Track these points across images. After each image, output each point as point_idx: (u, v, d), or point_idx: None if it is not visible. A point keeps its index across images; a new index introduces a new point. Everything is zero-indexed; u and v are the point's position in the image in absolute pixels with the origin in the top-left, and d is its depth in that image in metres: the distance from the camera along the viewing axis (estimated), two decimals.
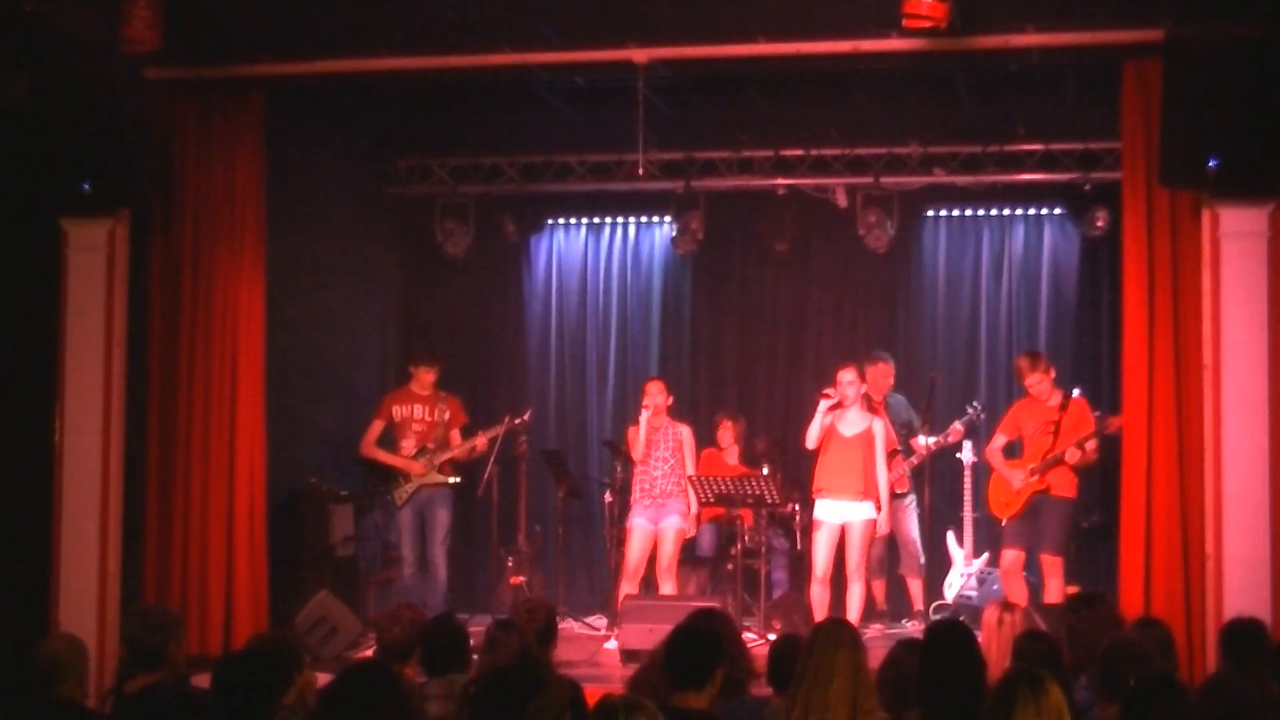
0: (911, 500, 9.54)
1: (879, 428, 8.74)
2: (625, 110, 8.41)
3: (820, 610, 8.50)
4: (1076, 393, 9.03)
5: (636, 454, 9.07)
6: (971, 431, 9.65)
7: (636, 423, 9.13)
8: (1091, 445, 8.57)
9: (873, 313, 11.02)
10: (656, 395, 9.07)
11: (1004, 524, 8.87)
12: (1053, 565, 8.57)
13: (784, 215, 10.51)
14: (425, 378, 9.47)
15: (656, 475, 9.03)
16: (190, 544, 8.27)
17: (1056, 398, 8.74)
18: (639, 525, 8.99)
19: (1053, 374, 8.81)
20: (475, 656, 5.26)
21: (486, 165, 10.63)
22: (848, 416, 8.72)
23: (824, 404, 8.69)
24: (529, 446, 10.18)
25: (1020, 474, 8.70)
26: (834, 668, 4.12)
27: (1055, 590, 8.46)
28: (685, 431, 9.16)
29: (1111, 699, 4.43)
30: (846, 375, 8.72)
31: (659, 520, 8.98)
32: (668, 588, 8.98)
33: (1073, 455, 8.52)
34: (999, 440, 8.95)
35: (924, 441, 9.37)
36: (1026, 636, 5.18)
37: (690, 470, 9.07)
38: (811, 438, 8.76)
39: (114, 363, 8.18)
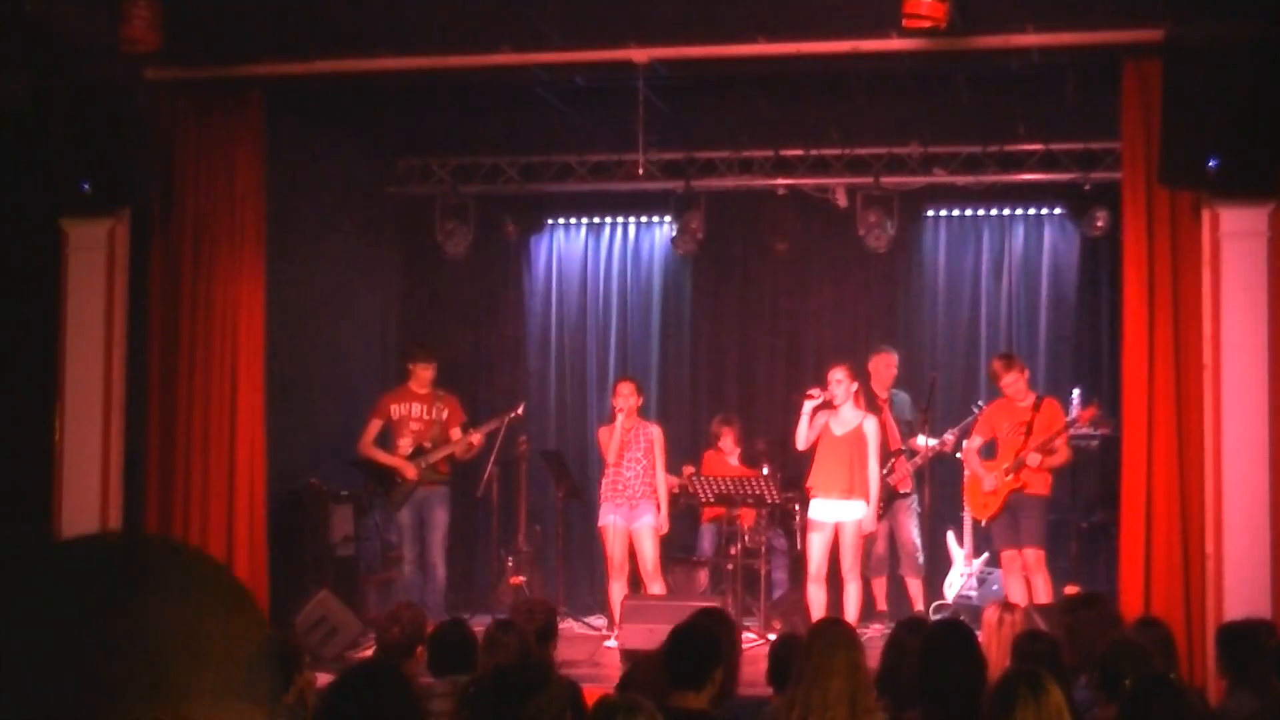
0: (913, 500, 9.54)
1: (870, 426, 8.73)
2: (625, 110, 8.41)
3: (817, 610, 8.50)
4: (1076, 393, 9.06)
5: (610, 455, 9.05)
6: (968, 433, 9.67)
7: (605, 423, 9.12)
8: (1061, 443, 8.66)
9: (873, 313, 11.02)
10: (630, 397, 9.04)
11: (984, 525, 8.98)
12: (1037, 560, 8.61)
13: (784, 215, 10.51)
14: (423, 375, 9.46)
15: (629, 476, 9.00)
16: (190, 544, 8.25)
17: (1030, 399, 8.84)
18: (612, 523, 8.99)
19: (1026, 374, 8.89)
20: None
21: (486, 165, 10.63)
22: (840, 415, 8.72)
23: (808, 405, 8.69)
24: (529, 446, 10.18)
25: (993, 476, 8.75)
26: (832, 668, 4.12)
27: (1042, 585, 8.50)
28: (656, 431, 9.14)
29: (1111, 699, 4.43)
30: (836, 374, 8.72)
31: (632, 521, 8.97)
32: (656, 588, 8.98)
33: (1034, 459, 8.59)
34: (975, 441, 9.02)
35: (923, 443, 9.38)
36: (1026, 636, 5.18)
37: (661, 471, 9.05)
38: (800, 439, 8.76)
39: (114, 362, 8.18)
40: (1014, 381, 8.81)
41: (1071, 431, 8.85)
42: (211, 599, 0.94)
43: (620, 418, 8.98)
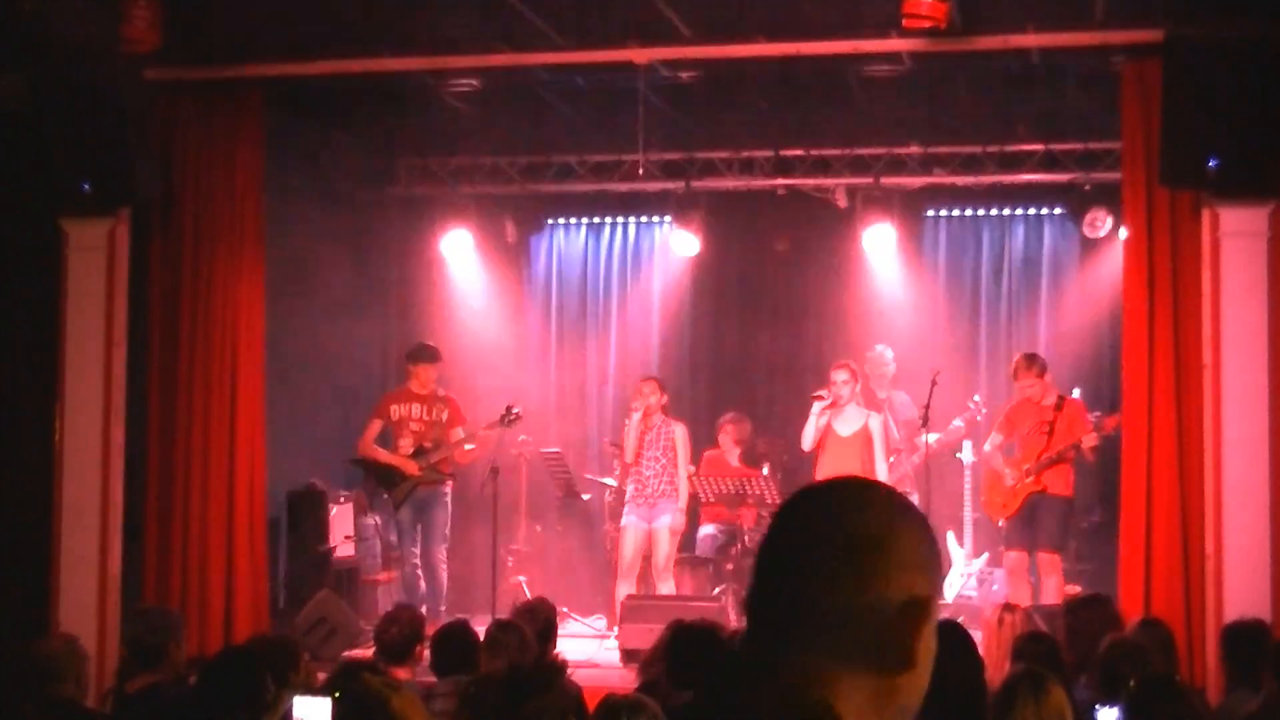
0: (914, 500, 9.51)
1: (876, 424, 8.73)
2: (625, 110, 8.41)
3: None
4: (1076, 393, 9.03)
5: (628, 454, 9.04)
6: (972, 428, 9.64)
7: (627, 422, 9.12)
8: (1090, 444, 8.60)
9: (873, 313, 11.01)
10: (649, 395, 9.02)
11: (1001, 525, 8.89)
12: (1050, 563, 8.57)
13: (784, 215, 10.50)
14: (425, 376, 9.45)
15: (648, 475, 8.99)
16: (190, 544, 8.26)
17: (1051, 398, 8.76)
18: (631, 523, 8.98)
19: (1048, 376, 8.83)
20: None
21: (486, 165, 10.62)
22: (844, 415, 8.72)
23: (817, 405, 8.68)
24: (529, 446, 10.17)
25: (1014, 472, 8.70)
26: None
27: (1053, 588, 8.46)
28: (679, 430, 9.11)
29: (1112, 699, 4.43)
30: (840, 375, 8.71)
31: (652, 520, 8.95)
32: (666, 587, 8.97)
33: (1089, 440, 8.50)
34: (995, 439, 8.96)
35: (926, 439, 9.34)
36: (1026, 637, 5.18)
37: (684, 469, 9.04)
38: (807, 439, 8.75)
39: (114, 363, 8.17)
40: (1030, 385, 8.73)
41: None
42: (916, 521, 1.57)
43: (636, 415, 8.97)
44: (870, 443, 8.68)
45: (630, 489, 9.06)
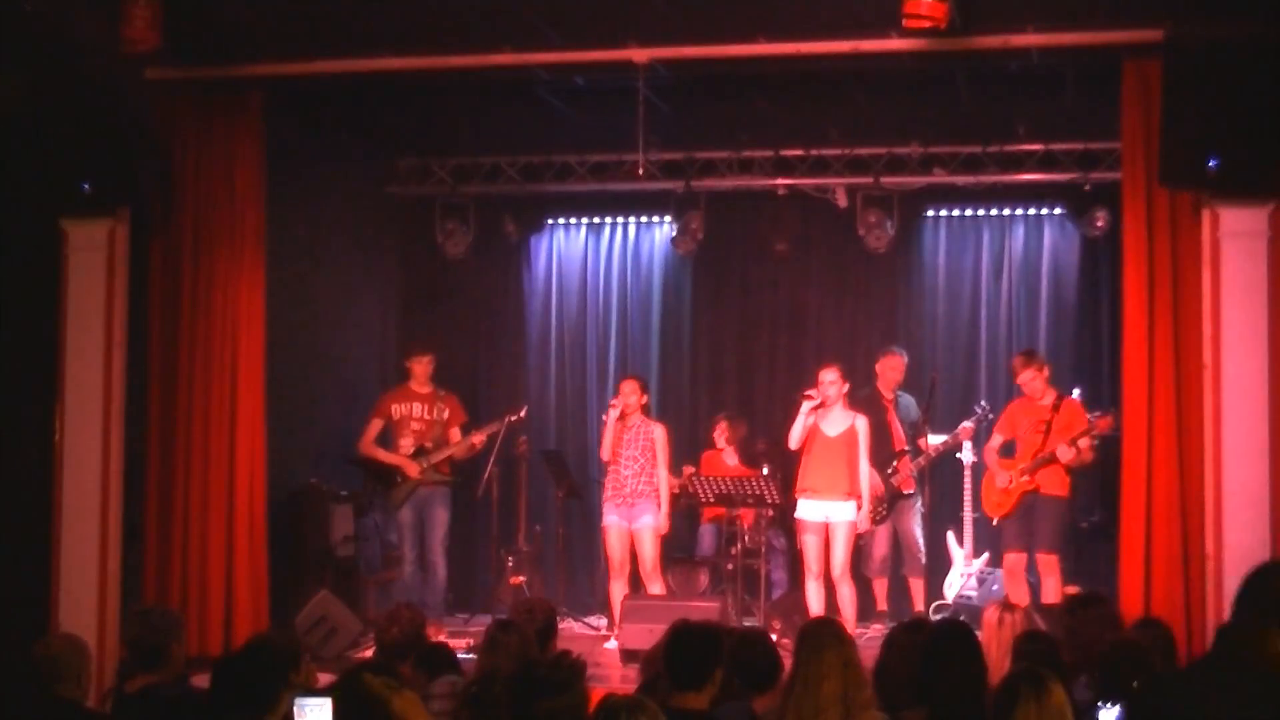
0: (916, 500, 9.52)
1: (862, 425, 8.73)
2: (625, 110, 8.41)
3: (816, 609, 8.50)
4: (1076, 393, 9.03)
5: (604, 453, 9.04)
6: (976, 432, 9.63)
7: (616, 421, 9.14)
8: (1085, 444, 8.57)
9: (873, 313, 11.01)
10: (629, 395, 9.00)
11: (996, 524, 8.91)
12: (1048, 564, 8.57)
13: (784, 215, 10.50)
14: (421, 370, 9.46)
15: (626, 475, 8.97)
16: (190, 544, 8.27)
17: (1050, 397, 8.76)
18: (613, 523, 8.98)
19: (1046, 372, 8.82)
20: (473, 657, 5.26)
21: (486, 165, 10.63)
22: (831, 416, 8.71)
23: (806, 405, 8.68)
24: (529, 446, 10.18)
25: (1008, 473, 8.71)
26: (822, 670, 4.10)
27: (1053, 589, 8.47)
28: (659, 431, 9.07)
29: (1112, 699, 4.43)
30: (828, 375, 8.70)
31: (633, 520, 8.95)
32: (655, 588, 8.98)
33: (1065, 453, 8.51)
34: (996, 440, 8.96)
35: (933, 441, 9.34)
36: (1026, 637, 5.18)
37: (663, 471, 9.02)
38: (794, 438, 8.75)
39: (114, 363, 8.18)
40: (1030, 379, 8.75)
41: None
42: None
43: (613, 414, 8.96)
44: (855, 443, 8.67)
45: (609, 489, 9.06)
